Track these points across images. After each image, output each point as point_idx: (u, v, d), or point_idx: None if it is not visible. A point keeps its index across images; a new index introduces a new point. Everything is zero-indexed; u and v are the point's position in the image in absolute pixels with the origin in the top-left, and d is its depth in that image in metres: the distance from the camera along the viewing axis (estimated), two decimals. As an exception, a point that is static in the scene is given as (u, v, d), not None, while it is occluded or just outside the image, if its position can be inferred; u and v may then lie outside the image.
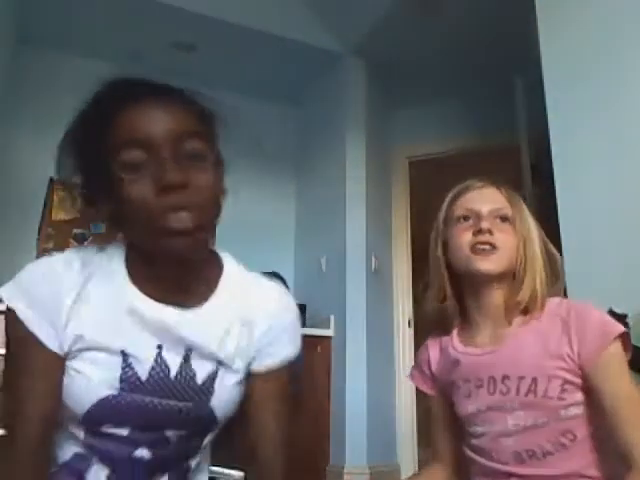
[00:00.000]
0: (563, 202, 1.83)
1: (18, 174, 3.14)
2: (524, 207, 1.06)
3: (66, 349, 0.76)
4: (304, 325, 3.14)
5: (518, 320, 1.02)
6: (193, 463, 0.86)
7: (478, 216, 1.01)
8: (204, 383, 0.80)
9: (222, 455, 1.08)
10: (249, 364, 0.86)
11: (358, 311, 3.11)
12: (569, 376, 0.93)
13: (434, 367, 1.13)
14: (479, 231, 0.99)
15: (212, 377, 0.81)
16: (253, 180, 3.78)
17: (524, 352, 0.98)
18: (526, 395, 0.95)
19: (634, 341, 1.00)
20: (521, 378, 0.96)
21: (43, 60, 3.35)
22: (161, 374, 0.78)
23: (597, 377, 0.91)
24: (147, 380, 0.77)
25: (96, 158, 0.75)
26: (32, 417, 0.75)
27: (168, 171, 0.70)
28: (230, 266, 0.88)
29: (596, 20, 1.88)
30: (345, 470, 2.82)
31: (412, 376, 1.19)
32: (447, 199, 1.09)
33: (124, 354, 0.77)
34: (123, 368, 0.76)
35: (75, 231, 3.20)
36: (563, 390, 0.93)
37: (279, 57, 3.49)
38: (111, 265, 0.80)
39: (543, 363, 0.95)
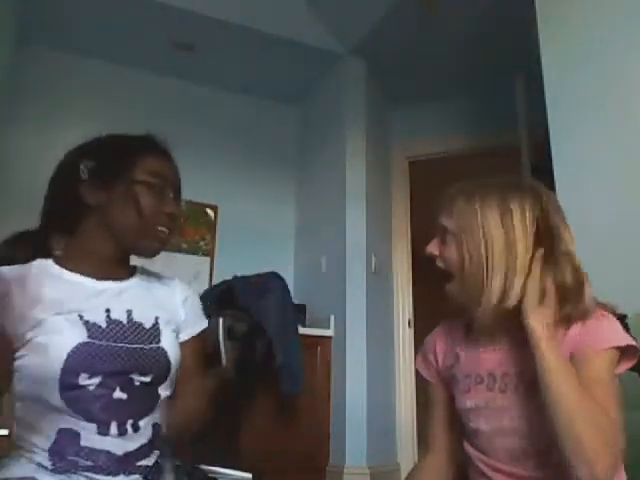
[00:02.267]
0: (563, 202, 1.82)
1: (18, 174, 3.14)
2: (480, 215, 0.99)
3: (18, 332, 0.91)
4: (304, 325, 3.15)
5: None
6: (159, 414, 0.99)
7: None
8: (150, 328, 1.00)
9: (228, 457, 1.09)
10: (177, 335, 1.08)
11: (358, 311, 3.11)
12: None
13: (439, 356, 1.15)
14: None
15: (155, 325, 1.02)
16: (253, 180, 3.79)
17: (525, 351, 0.97)
18: (524, 394, 0.95)
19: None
20: (520, 376, 0.97)
21: (43, 60, 3.35)
22: (116, 323, 0.97)
23: (579, 364, 0.91)
24: (107, 327, 0.95)
25: (120, 170, 1.04)
26: None
27: (172, 205, 1.06)
28: (140, 267, 1.13)
29: (596, 20, 1.88)
30: (345, 470, 2.82)
31: (416, 363, 1.21)
32: None
33: (80, 316, 0.94)
34: (84, 324, 0.93)
35: (75, 231, 3.20)
36: None
37: (279, 57, 3.49)
38: (41, 265, 1.01)
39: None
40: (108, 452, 0.90)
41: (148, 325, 1.00)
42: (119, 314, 0.98)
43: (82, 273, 1.01)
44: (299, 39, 3.35)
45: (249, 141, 3.84)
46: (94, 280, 1.01)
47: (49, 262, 1.02)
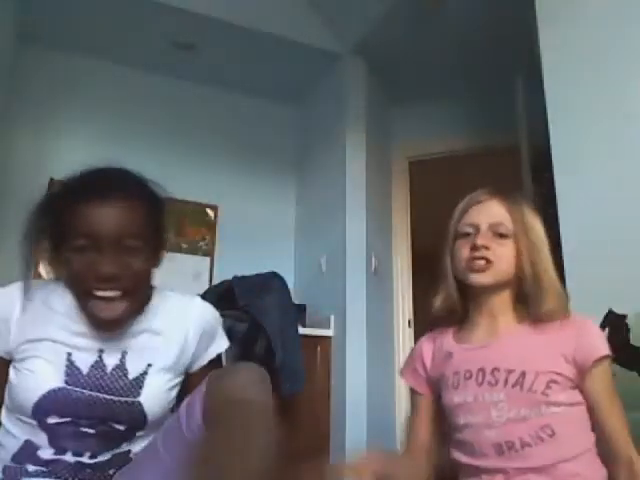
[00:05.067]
0: (563, 202, 1.83)
1: (18, 174, 3.14)
2: (529, 218, 1.12)
3: (14, 354, 0.95)
4: (304, 325, 3.15)
5: (516, 320, 1.09)
6: (133, 448, 0.99)
7: (477, 231, 1.10)
8: (135, 379, 0.98)
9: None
10: (186, 369, 1.05)
11: (358, 311, 3.11)
12: (558, 377, 1.00)
13: (427, 362, 1.18)
14: (474, 247, 1.08)
15: (142, 375, 0.98)
16: (253, 180, 3.79)
17: (517, 347, 1.05)
18: (513, 387, 1.00)
19: (633, 341, 1.03)
20: (510, 371, 1.02)
21: (43, 60, 3.35)
22: (99, 369, 0.96)
23: (591, 379, 1.00)
24: (87, 374, 0.95)
25: (54, 237, 0.98)
26: None
27: (103, 265, 0.92)
28: (158, 293, 1.08)
29: (596, 20, 1.88)
30: (345, 470, 2.81)
31: (402, 373, 1.24)
32: (455, 214, 1.17)
33: (69, 354, 0.95)
34: (67, 366, 0.94)
35: (75, 231, 3.19)
36: (548, 387, 0.99)
37: (279, 57, 3.49)
38: (59, 291, 1.00)
39: (534, 359, 1.01)
40: (64, 461, 0.93)
41: (133, 375, 0.97)
42: (111, 357, 0.98)
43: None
44: (299, 39, 3.34)
45: (249, 141, 3.84)
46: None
47: (65, 293, 1.00)
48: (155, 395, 0.99)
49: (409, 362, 1.24)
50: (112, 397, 0.95)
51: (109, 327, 0.97)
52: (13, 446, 0.95)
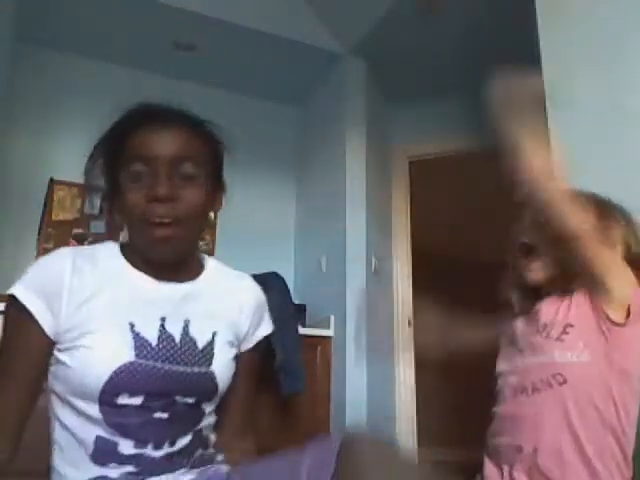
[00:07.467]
0: (563, 202, 1.83)
1: (18, 174, 3.14)
2: None
3: (64, 333, 0.86)
4: (304, 325, 3.15)
5: None
6: (204, 424, 0.96)
7: None
8: (204, 349, 0.93)
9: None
10: (239, 345, 1.02)
11: (358, 311, 3.10)
12: (573, 319, 1.08)
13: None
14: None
15: (210, 344, 0.94)
16: (253, 180, 3.78)
17: (545, 308, 1.16)
18: (533, 336, 1.12)
19: None
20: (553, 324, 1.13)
21: (43, 60, 3.35)
22: (168, 340, 0.90)
23: None
24: (157, 345, 0.88)
25: (113, 168, 0.93)
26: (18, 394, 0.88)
27: (159, 185, 0.86)
28: (211, 261, 1.06)
29: (597, 20, 1.88)
30: (345, 470, 2.81)
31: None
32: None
33: (132, 325, 0.88)
34: (133, 337, 0.87)
35: (75, 231, 3.20)
36: (564, 333, 1.07)
37: (279, 57, 3.49)
38: (107, 253, 0.95)
39: (551, 314, 1.13)
40: (148, 456, 0.87)
41: (202, 344, 0.93)
42: (174, 326, 0.91)
43: (142, 270, 0.94)
44: (299, 39, 3.35)
45: (249, 141, 3.83)
46: (154, 281, 0.94)
47: (115, 250, 0.96)
48: (225, 364, 0.95)
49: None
50: (185, 369, 0.89)
51: (165, 254, 0.90)
52: (79, 445, 0.86)
